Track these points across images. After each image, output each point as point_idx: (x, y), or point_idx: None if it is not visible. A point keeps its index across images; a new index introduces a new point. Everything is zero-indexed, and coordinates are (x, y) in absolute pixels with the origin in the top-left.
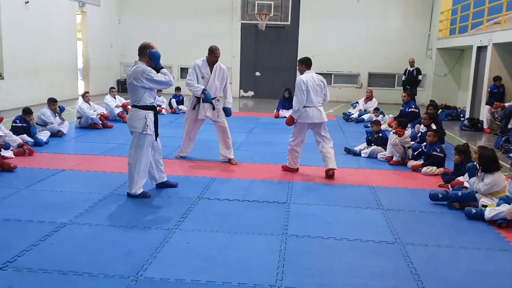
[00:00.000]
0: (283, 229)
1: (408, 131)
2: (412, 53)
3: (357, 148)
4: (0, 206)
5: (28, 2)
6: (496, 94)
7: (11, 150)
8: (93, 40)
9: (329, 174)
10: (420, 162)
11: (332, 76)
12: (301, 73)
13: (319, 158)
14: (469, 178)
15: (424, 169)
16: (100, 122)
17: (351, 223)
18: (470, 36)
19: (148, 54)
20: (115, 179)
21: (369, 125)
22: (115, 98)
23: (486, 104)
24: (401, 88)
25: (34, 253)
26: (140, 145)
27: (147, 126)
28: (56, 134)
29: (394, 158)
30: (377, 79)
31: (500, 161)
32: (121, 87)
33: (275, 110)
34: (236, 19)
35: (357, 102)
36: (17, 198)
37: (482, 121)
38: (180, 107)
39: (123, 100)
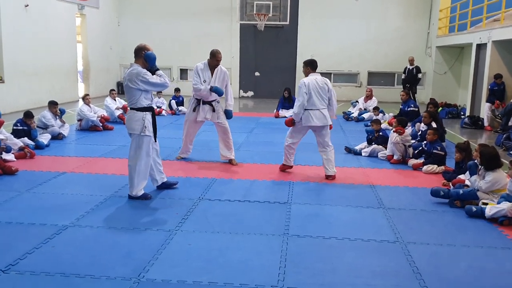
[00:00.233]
0: (284, 229)
1: (408, 130)
2: (411, 52)
3: (357, 147)
4: (2, 209)
5: (27, 5)
6: (496, 92)
7: (12, 153)
8: (92, 42)
9: (330, 177)
10: (421, 160)
11: (332, 75)
12: (306, 75)
13: (319, 157)
14: (470, 176)
15: (424, 167)
16: (101, 124)
17: (353, 223)
18: (469, 34)
19: (143, 56)
20: (116, 181)
21: (369, 124)
22: (115, 100)
23: (487, 101)
24: (401, 86)
25: (36, 255)
26: (139, 147)
27: (145, 127)
28: (57, 137)
29: (395, 157)
30: (377, 78)
31: (502, 159)
32: (121, 89)
33: (275, 110)
34: (235, 20)
35: (357, 101)
36: (19, 201)
37: (483, 119)
38: (180, 108)
39: (123, 102)
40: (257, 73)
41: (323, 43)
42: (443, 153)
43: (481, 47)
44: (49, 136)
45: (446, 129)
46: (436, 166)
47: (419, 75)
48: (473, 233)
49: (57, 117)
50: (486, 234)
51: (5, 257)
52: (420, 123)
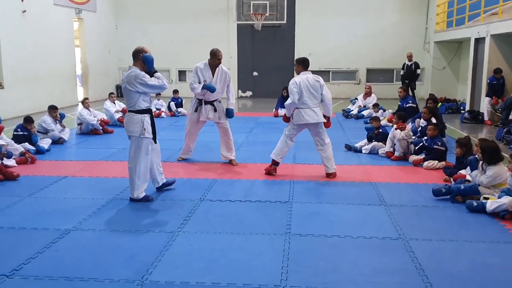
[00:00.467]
0: (286, 229)
1: (408, 126)
2: (409, 47)
3: (357, 145)
4: (5, 215)
5: (25, 11)
6: (496, 86)
7: (13, 158)
8: (91, 46)
9: (331, 176)
10: (422, 156)
11: (330, 73)
12: (297, 73)
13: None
14: (471, 171)
15: (425, 163)
16: (101, 127)
17: (354, 220)
18: (467, 28)
19: (141, 59)
20: (117, 184)
21: (369, 121)
22: (114, 103)
23: (486, 96)
24: (400, 82)
25: (40, 260)
26: (139, 149)
27: (145, 129)
28: (58, 141)
29: (396, 153)
30: (376, 75)
31: (502, 153)
32: (120, 92)
33: (274, 109)
34: (232, 20)
35: (356, 99)
36: (21, 206)
37: (483, 113)
38: (179, 109)
39: (123, 105)
40: (255, 73)
41: (320, 41)
42: (443, 148)
43: (479, 41)
44: (50, 141)
45: (446, 124)
46: (437, 162)
47: (418, 71)
48: (475, 228)
49: (57, 121)
50: (488, 228)
51: (9, 262)
52: (420, 119)
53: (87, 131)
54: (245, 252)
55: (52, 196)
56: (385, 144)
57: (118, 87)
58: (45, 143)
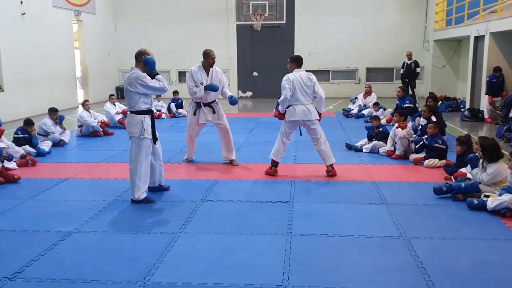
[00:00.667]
0: (287, 228)
1: (409, 124)
2: (409, 46)
3: (358, 144)
4: (6, 217)
5: (24, 13)
6: (495, 84)
7: (14, 161)
8: (90, 48)
9: (330, 172)
10: (422, 155)
11: (330, 72)
12: (291, 71)
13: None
14: (472, 169)
15: (426, 161)
16: (101, 129)
17: (355, 220)
18: (466, 26)
19: (143, 60)
20: (118, 186)
21: (369, 120)
22: (115, 105)
23: (486, 93)
24: (400, 81)
25: (42, 262)
26: (139, 150)
27: (144, 130)
28: (58, 144)
29: (397, 152)
30: (375, 74)
31: (502, 150)
32: (120, 93)
33: (274, 109)
34: (232, 21)
35: (356, 98)
36: (22, 208)
37: (483, 111)
38: (179, 111)
39: (123, 107)
40: (255, 73)
41: (320, 40)
42: (444, 147)
43: (478, 39)
44: (50, 143)
45: (446, 122)
46: (437, 160)
47: (418, 70)
48: (476, 226)
49: (57, 123)
50: (489, 226)
51: (11, 265)
52: (420, 117)
53: (88, 133)
54: (246, 252)
55: (54, 198)
56: (386, 143)
57: (118, 89)
58: (45, 145)
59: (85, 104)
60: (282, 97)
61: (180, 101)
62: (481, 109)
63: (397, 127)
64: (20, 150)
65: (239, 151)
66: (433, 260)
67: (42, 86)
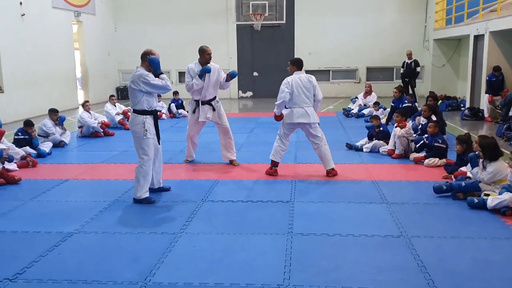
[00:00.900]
0: (288, 228)
1: (409, 124)
2: (409, 45)
3: (358, 143)
4: (7, 219)
5: (24, 14)
6: (494, 83)
7: (14, 162)
8: (90, 49)
9: (330, 173)
10: (422, 154)
11: (330, 72)
12: (291, 73)
13: None
14: (472, 168)
15: (426, 161)
16: (102, 130)
17: (356, 219)
18: (466, 26)
19: (148, 60)
20: (119, 186)
21: (369, 120)
22: (115, 105)
23: (486, 92)
24: (400, 81)
25: (43, 263)
26: (142, 150)
27: (146, 130)
28: (59, 145)
29: (397, 151)
30: (376, 73)
31: (502, 149)
32: (121, 94)
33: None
34: (232, 21)
35: (356, 97)
36: (23, 210)
37: (483, 110)
38: (179, 111)
39: (123, 107)
40: (255, 73)
41: (320, 40)
42: (444, 146)
43: (478, 38)
44: (51, 144)
45: (446, 121)
46: (437, 159)
47: (418, 69)
48: (476, 225)
49: (57, 124)
50: (489, 225)
51: (12, 266)
52: (420, 116)
53: (88, 134)
54: (247, 252)
55: (54, 199)
56: (386, 143)
57: (118, 90)
58: (46, 146)
59: (85, 105)
60: (279, 100)
61: (180, 102)
62: (481, 108)
63: (395, 127)
64: (20, 151)
65: (240, 151)
66: (433, 259)
67: (42, 87)
